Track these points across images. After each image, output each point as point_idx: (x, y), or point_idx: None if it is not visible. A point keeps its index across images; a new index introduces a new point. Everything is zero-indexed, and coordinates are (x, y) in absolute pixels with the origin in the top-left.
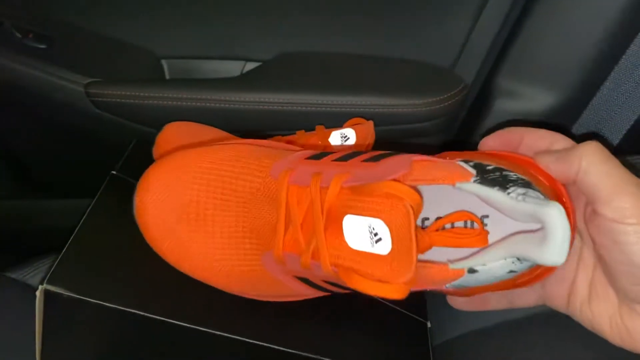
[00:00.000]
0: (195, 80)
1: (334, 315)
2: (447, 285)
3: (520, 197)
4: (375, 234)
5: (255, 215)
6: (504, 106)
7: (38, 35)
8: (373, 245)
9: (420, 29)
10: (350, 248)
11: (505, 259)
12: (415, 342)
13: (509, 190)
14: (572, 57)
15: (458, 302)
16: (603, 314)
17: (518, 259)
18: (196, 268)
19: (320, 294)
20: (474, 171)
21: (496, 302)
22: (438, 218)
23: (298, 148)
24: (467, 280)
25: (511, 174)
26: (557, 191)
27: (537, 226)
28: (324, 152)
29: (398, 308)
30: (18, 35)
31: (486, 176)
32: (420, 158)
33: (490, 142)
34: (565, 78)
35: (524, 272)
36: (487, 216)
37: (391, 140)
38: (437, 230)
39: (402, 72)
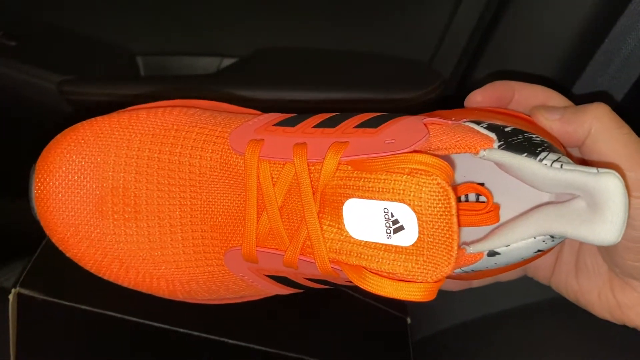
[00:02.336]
0: (171, 77)
1: (312, 312)
2: (456, 271)
3: (556, 164)
4: (395, 222)
5: (211, 202)
6: None
7: (8, 33)
8: (390, 236)
9: (396, 23)
10: (357, 239)
11: (534, 238)
12: (395, 338)
13: (540, 157)
14: (548, 52)
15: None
16: (592, 287)
17: (552, 236)
18: (128, 272)
19: (294, 291)
20: (494, 135)
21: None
22: None
23: (259, 112)
24: (483, 264)
25: (533, 136)
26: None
27: (567, 197)
28: (296, 115)
29: (377, 304)
30: None
31: (510, 140)
32: (431, 120)
33: (479, 97)
34: (542, 72)
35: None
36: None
37: None
38: None
39: (379, 67)
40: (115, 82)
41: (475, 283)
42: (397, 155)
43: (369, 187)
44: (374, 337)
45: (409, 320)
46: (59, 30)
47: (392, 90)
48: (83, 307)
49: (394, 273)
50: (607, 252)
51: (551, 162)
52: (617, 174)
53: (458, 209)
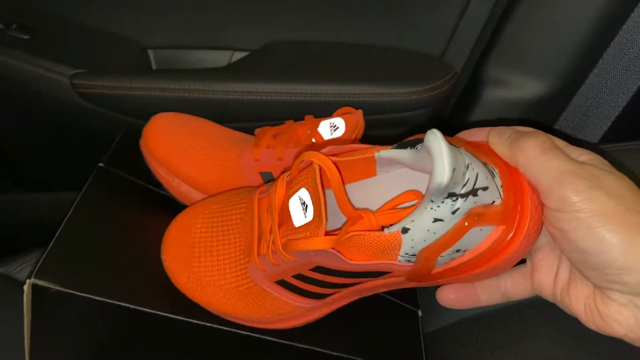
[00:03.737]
0: (182, 70)
1: None
2: (399, 259)
3: (419, 146)
4: (304, 204)
5: (243, 234)
6: (492, 94)
7: (22, 26)
8: (305, 216)
9: (409, 17)
10: (295, 227)
11: (425, 208)
12: (406, 330)
13: (417, 147)
14: (560, 44)
15: (447, 300)
16: (580, 298)
17: (432, 201)
18: (206, 295)
19: (307, 302)
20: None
21: (488, 297)
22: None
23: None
24: (408, 243)
25: (423, 139)
26: (513, 173)
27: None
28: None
29: (389, 297)
30: (1, 26)
31: (404, 142)
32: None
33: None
34: (554, 66)
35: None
36: None
37: (381, 128)
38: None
39: (392, 61)
40: (126, 76)
41: (484, 301)
42: (301, 156)
43: (293, 187)
44: (386, 329)
45: (420, 313)
46: (72, 24)
47: (404, 84)
48: (96, 297)
49: (306, 235)
50: (576, 267)
51: (419, 146)
52: (434, 130)
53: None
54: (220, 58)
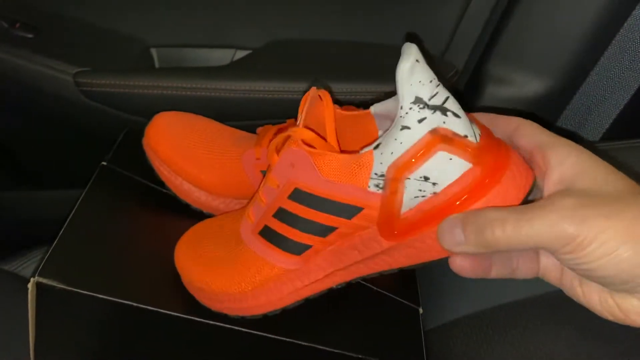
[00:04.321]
0: (185, 68)
1: (325, 302)
2: (370, 185)
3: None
4: None
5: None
6: (494, 93)
7: (25, 25)
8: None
9: (410, 16)
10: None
11: (400, 129)
12: (407, 328)
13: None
14: (561, 43)
15: (461, 267)
16: (593, 293)
17: (401, 107)
18: (189, 260)
19: (286, 260)
20: None
21: (499, 269)
22: None
23: None
24: (378, 158)
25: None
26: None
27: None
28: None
29: (389, 294)
30: (5, 25)
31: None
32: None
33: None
34: (555, 64)
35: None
36: None
37: None
38: None
39: (394, 59)
40: (130, 74)
41: (494, 273)
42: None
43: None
44: (387, 327)
45: (420, 310)
46: (75, 23)
47: None
48: (101, 296)
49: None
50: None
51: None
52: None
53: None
54: (222, 56)
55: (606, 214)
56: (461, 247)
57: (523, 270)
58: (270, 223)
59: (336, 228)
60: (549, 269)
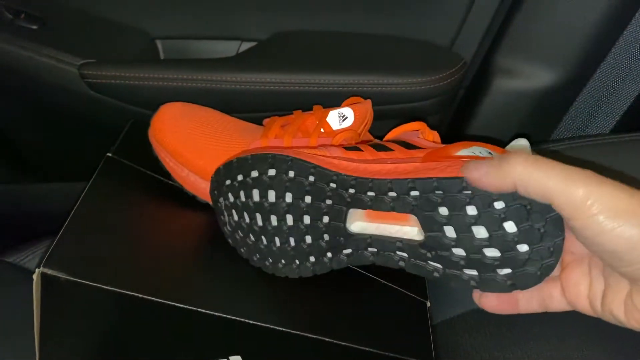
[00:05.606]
0: (190, 60)
1: (333, 294)
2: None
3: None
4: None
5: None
6: (502, 84)
7: (30, 16)
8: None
9: (418, 7)
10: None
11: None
12: (415, 321)
13: None
14: (570, 34)
15: (485, 303)
16: (619, 302)
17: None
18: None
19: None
20: None
21: (526, 303)
22: None
23: None
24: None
25: None
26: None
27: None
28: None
29: (397, 287)
30: (9, 16)
31: None
32: None
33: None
34: (564, 56)
35: None
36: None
37: (390, 118)
38: None
39: (401, 51)
40: (135, 66)
41: (522, 308)
42: None
43: None
44: (394, 320)
45: (428, 303)
46: (80, 14)
47: (413, 74)
48: (106, 287)
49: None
50: (610, 266)
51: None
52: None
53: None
54: (228, 48)
55: (622, 188)
56: (484, 175)
57: (553, 301)
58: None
59: None
60: (578, 299)
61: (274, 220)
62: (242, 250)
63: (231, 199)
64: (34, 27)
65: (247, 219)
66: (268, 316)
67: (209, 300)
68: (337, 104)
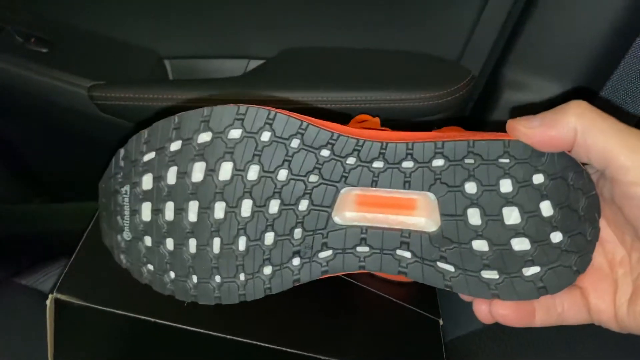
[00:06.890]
0: (198, 80)
1: (344, 313)
2: None
3: None
4: None
5: None
6: (511, 98)
7: (40, 40)
8: None
9: (425, 20)
10: None
11: None
12: (428, 339)
13: None
14: (579, 47)
15: (502, 316)
16: None
17: None
18: None
19: None
20: None
21: (543, 317)
22: None
23: None
24: None
25: None
26: None
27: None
28: None
29: (409, 306)
30: (20, 39)
31: None
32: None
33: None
34: (573, 69)
35: None
36: None
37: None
38: None
39: (408, 66)
40: (144, 86)
41: (538, 320)
42: None
43: None
44: (406, 338)
45: (441, 321)
46: (89, 36)
47: (421, 89)
48: (119, 312)
49: None
50: None
51: None
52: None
53: None
54: (236, 67)
55: None
56: (538, 125)
57: (571, 313)
58: None
59: None
60: (602, 311)
61: (220, 210)
62: (146, 268)
63: (147, 183)
64: (44, 50)
65: (172, 212)
66: (279, 338)
67: (222, 323)
68: (345, 122)
